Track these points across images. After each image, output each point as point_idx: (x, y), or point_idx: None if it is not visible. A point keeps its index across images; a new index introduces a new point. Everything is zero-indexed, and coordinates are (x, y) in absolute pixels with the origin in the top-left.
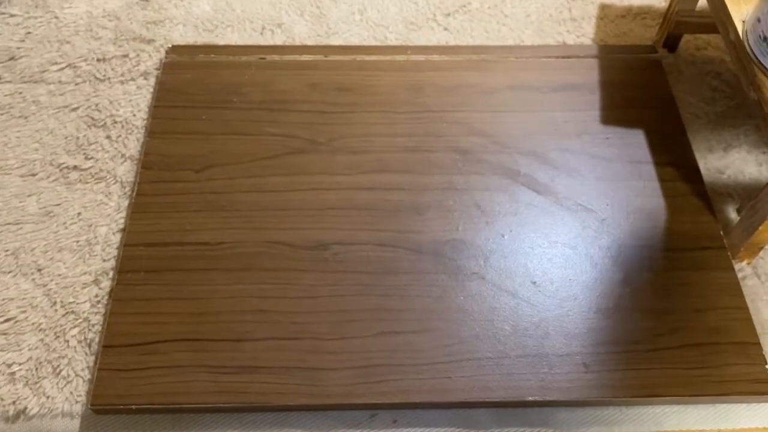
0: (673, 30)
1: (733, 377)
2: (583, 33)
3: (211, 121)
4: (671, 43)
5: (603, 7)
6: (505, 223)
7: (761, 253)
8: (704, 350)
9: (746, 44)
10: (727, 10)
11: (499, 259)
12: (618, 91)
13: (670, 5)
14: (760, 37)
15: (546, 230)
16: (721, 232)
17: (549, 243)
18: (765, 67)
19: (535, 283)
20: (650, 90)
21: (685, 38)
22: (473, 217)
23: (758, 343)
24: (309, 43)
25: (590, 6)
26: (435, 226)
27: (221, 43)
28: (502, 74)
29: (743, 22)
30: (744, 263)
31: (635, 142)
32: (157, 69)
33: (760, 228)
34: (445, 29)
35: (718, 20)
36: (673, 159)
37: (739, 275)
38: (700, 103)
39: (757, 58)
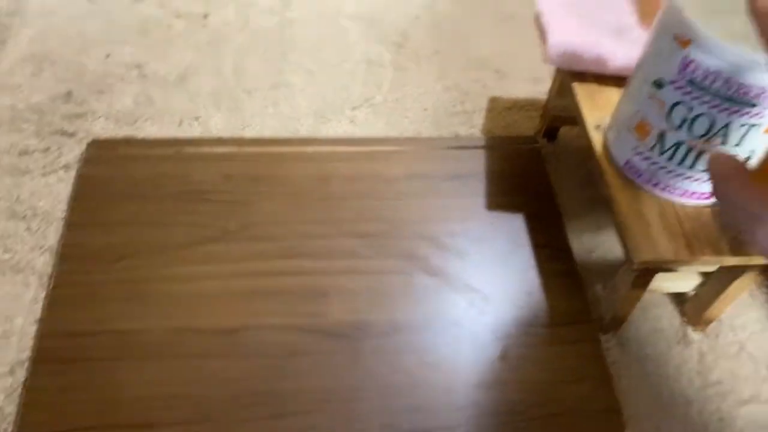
0: (551, 122)
1: None
2: (474, 125)
3: (128, 212)
4: (550, 133)
5: (492, 100)
6: (401, 304)
7: (626, 325)
8: (571, 418)
9: (601, 143)
10: (582, 113)
11: (394, 338)
12: (502, 178)
13: (547, 101)
14: (620, 130)
15: (437, 310)
16: (590, 308)
17: (439, 322)
18: (616, 165)
19: (426, 361)
20: (530, 177)
21: (563, 128)
22: (372, 298)
23: (619, 410)
24: (224, 135)
25: (481, 99)
26: (337, 309)
27: (141, 135)
28: (401, 164)
29: (597, 126)
30: (609, 335)
31: (516, 226)
32: (78, 162)
33: (618, 306)
34: (352, 122)
35: (579, 120)
36: (549, 241)
37: (605, 346)
38: (575, 188)
39: (609, 156)
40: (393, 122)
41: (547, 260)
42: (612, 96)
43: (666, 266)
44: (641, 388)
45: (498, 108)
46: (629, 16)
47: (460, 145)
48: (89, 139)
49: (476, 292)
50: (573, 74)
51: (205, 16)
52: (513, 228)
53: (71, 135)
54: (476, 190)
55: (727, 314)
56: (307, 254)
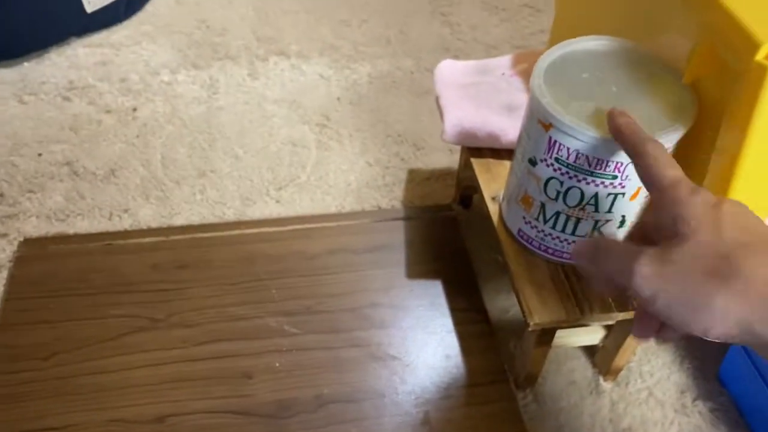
0: (464, 191)
1: None
2: (395, 197)
3: (58, 309)
4: (464, 200)
5: (411, 173)
6: (326, 379)
7: (541, 381)
8: None
9: (497, 214)
10: (480, 185)
11: (320, 413)
12: (421, 246)
13: (458, 171)
14: (510, 201)
15: (361, 381)
16: (505, 366)
17: (363, 394)
18: (511, 234)
19: None
20: (447, 244)
21: (476, 195)
22: (298, 376)
23: None
24: (153, 225)
25: (401, 172)
26: (263, 389)
27: (72, 231)
28: (323, 240)
29: (493, 198)
30: (527, 391)
31: (435, 291)
32: (10, 261)
33: (528, 364)
34: (277, 202)
35: (478, 191)
36: (466, 304)
37: (523, 402)
38: (489, 251)
39: (505, 225)
40: (317, 199)
41: (465, 323)
42: (505, 169)
43: (560, 325)
44: None
45: (416, 179)
46: (521, 94)
47: (381, 218)
48: (21, 239)
49: (398, 360)
50: (471, 150)
51: (134, 110)
52: (432, 294)
53: (3, 236)
54: (397, 259)
55: (636, 361)
56: (232, 337)
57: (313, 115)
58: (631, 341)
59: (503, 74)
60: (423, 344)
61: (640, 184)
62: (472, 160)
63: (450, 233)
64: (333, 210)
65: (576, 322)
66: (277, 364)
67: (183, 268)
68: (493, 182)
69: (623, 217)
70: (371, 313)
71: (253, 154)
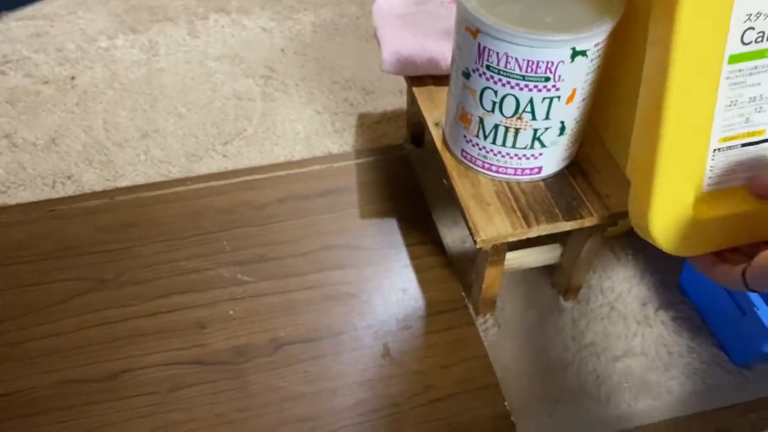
0: (414, 128)
1: (478, 419)
2: (345, 142)
3: (2, 278)
4: (417, 138)
5: (361, 117)
6: (281, 322)
7: (500, 305)
8: (452, 401)
9: (440, 139)
10: (422, 114)
11: (277, 356)
12: (374, 187)
13: (407, 109)
14: (450, 123)
15: (317, 322)
16: (463, 294)
17: (320, 333)
18: (455, 156)
19: (310, 371)
20: (400, 182)
21: (428, 131)
22: (252, 322)
23: (497, 385)
24: (97, 189)
25: (350, 118)
26: (217, 337)
27: (14, 202)
28: (273, 189)
29: (436, 124)
30: (487, 316)
31: (390, 229)
32: None
33: (483, 286)
34: (224, 156)
35: (423, 119)
36: (422, 238)
37: (484, 327)
38: (443, 187)
39: (448, 148)
40: (265, 151)
41: (421, 256)
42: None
43: (507, 240)
44: (520, 361)
45: (367, 123)
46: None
47: (331, 163)
48: None
49: (355, 298)
50: (412, 79)
51: (73, 78)
52: (387, 231)
53: None
54: (349, 202)
55: (596, 278)
56: (185, 290)
57: (257, 68)
58: (587, 257)
59: (441, 2)
60: (380, 280)
61: (575, 86)
62: (414, 89)
63: (403, 172)
64: (282, 160)
65: (523, 235)
66: (231, 312)
67: (129, 227)
68: (436, 109)
69: (562, 123)
70: (325, 255)
71: (196, 111)
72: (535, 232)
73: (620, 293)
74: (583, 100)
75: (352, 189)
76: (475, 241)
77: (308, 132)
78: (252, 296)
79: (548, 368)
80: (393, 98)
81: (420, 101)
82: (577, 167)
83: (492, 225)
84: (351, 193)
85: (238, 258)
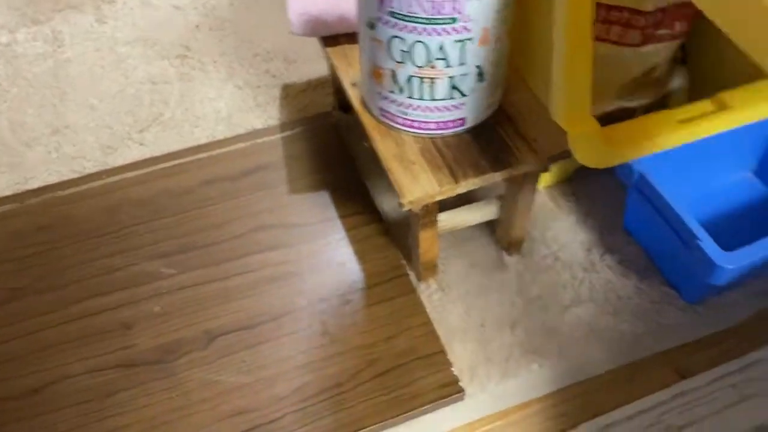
0: (340, 94)
1: (425, 389)
2: (270, 116)
3: None
4: (344, 104)
5: (285, 88)
6: (214, 312)
7: (442, 268)
8: (397, 372)
9: (358, 99)
10: (338, 75)
11: (211, 349)
12: (303, 159)
13: (331, 74)
14: (365, 81)
15: (253, 307)
16: (403, 261)
17: (257, 318)
18: (374, 116)
19: (247, 361)
20: (330, 152)
21: None
22: (181, 316)
23: (443, 351)
24: (8, 193)
25: (274, 90)
26: (144, 336)
27: None
28: (196, 173)
29: (353, 84)
30: (430, 281)
31: (322, 202)
32: None
33: (420, 251)
34: (141, 144)
35: (339, 81)
36: (356, 208)
37: (427, 292)
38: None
39: (367, 108)
40: (185, 134)
41: (357, 227)
42: None
43: (435, 199)
44: (466, 323)
45: (291, 94)
46: None
47: (256, 139)
48: None
49: (291, 278)
50: (325, 40)
51: None
52: (320, 204)
53: None
54: (279, 178)
55: (539, 230)
56: (106, 290)
57: (171, 49)
58: (523, 208)
59: None
60: (315, 257)
61: (486, 25)
62: (328, 49)
63: (332, 140)
64: (204, 142)
65: (452, 192)
66: (158, 309)
67: (44, 230)
68: (351, 68)
69: (479, 68)
70: (256, 237)
71: (109, 101)
72: (463, 187)
73: (564, 242)
74: (498, 40)
75: (280, 164)
76: (401, 204)
77: (230, 109)
78: (178, 289)
79: (496, 327)
80: (317, 65)
81: (335, 62)
82: (503, 115)
83: (418, 185)
84: (279, 168)
85: (161, 250)
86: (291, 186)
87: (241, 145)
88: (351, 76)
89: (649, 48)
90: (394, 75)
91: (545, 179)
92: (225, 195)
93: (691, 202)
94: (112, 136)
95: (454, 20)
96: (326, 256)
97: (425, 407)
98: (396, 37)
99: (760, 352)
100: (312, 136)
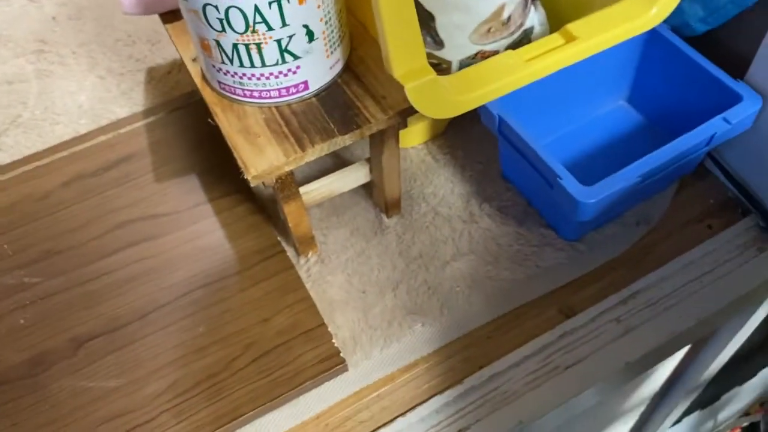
0: None
1: (306, 365)
2: (135, 102)
3: None
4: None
5: (150, 72)
6: (79, 317)
7: (322, 239)
8: (276, 353)
9: (199, 75)
10: (179, 50)
11: (79, 356)
12: (169, 145)
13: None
14: (212, 66)
15: (120, 307)
16: (279, 238)
17: (124, 319)
18: (216, 90)
19: (115, 364)
20: (199, 132)
21: None
22: (47, 325)
23: (323, 325)
24: None
25: (138, 74)
26: (9, 351)
27: None
28: (55, 174)
29: (193, 59)
30: (309, 255)
31: (190, 187)
32: None
33: (291, 225)
34: (0, 150)
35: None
36: (226, 189)
37: (306, 267)
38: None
39: (208, 84)
40: (46, 133)
41: (227, 209)
42: None
43: (284, 170)
44: (347, 293)
45: (156, 76)
46: None
47: (118, 129)
48: None
49: (158, 272)
50: (164, 16)
51: None
52: (187, 190)
53: None
54: (143, 167)
55: (418, 187)
56: None
57: (26, 45)
58: (390, 167)
59: None
60: (184, 246)
61: None
62: (166, 26)
63: (199, 121)
64: (67, 138)
65: (300, 160)
66: (22, 321)
67: None
68: (191, 43)
69: (306, 27)
70: (121, 233)
71: None
72: (311, 154)
73: (443, 196)
74: None
75: (144, 152)
76: (247, 180)
77: (92, 101)
78: (43, 298)
79: (377, 292)
80: None
81: (174, 37)
82: (350, 73)
83: (263, 157)
84: (143, 157)
85: (23, 260)
86: (156, 174)
87: (102, 138)
88: (191, 51)
89: None
90: (219, 45)
91: (420, 135)
92: (86, 193)
93: (565, 138)
94: None
95: None
96: (196, 243)
97: (306, 384)
98: (208, 5)
99: (640, 282)
100: (178, 118)
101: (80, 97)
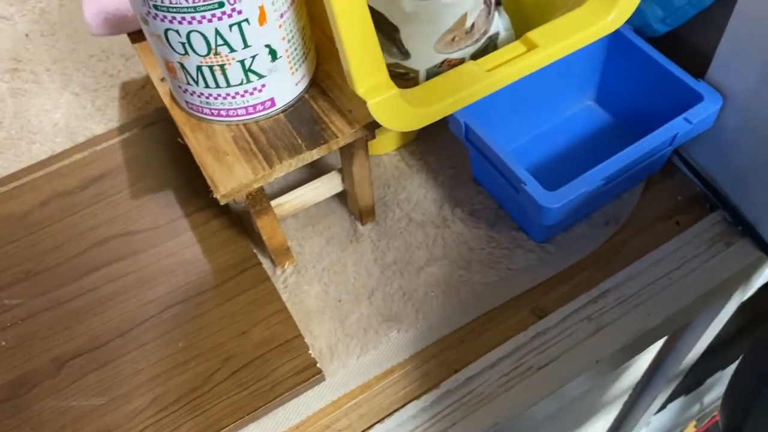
0: None
1: (284, 376)
2: (110, 118)
3: None
4: None
5: (124, 86)
6: (60, 337)
7: (298, 249)
8: (254, 366)
9: (168, 94)
10: (148, 70)
11: (62, 375)
12: (145, 160)
13: None
14: (178, 87)
15: (99, 326)
16: (255, 251)
17: (103, 338)
18: (185, 110)
19: (97, 382)
20: (173, 147)
21: None
22: (28, 347)
23: (299, 336)
24: None
25: (113, 90)
26: None
27: None
28: (32, 194)
29: (162, 79)
30: (286, 266)
31: (166, 202)
32: None
33: (265, 238)
34: None
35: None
36: (202, 204)
37: (282, 278)
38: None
39: (177, 103)
40: (23, 153)
41: (202, 223)
42: None
43: (253, 187)
44: (324, 303)
45: (131, 91)
46: None
47: (94, 146)
48: None
49: (135, 290)
50: (132, 36)
51: None
52: (163, 205)
53: None
54: (119, 184)
55: (392, 193)
56: None
57: (0, 63)
58: (360, 177)
59: None
60: (160, 262)
61: (261, 3)
62: (135, 45)
63: (173, 135)
64: (43, 157)
65: (269, 177)
66: (3, 343)
67: None
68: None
69: (268, 47)
70: (98, 251)
71: None
72: (279, 171)
73: (416, 201)
74: (283, 16)
75: (120, 169)
76: (216, 198)
77: (68, 119)
78: (24, 319)
79: (353, 301)
80: None
81: (143, 57)
82: (317, 88)
83: (231, 175)
84: (119, 174)
85: (3, 281)
86: (132, 191)
87: (78, 156)
88: (159, 71)
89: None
90: (183, 67)
91: (392, 142)
92: (63, 212)
93: (535, 140)
94: None
95: (221, 5)
96: (172, 259)
97: (284, 396)
98: (170, 29)
99: (610, 281)
100: (152, 133)
101: (56, 114)
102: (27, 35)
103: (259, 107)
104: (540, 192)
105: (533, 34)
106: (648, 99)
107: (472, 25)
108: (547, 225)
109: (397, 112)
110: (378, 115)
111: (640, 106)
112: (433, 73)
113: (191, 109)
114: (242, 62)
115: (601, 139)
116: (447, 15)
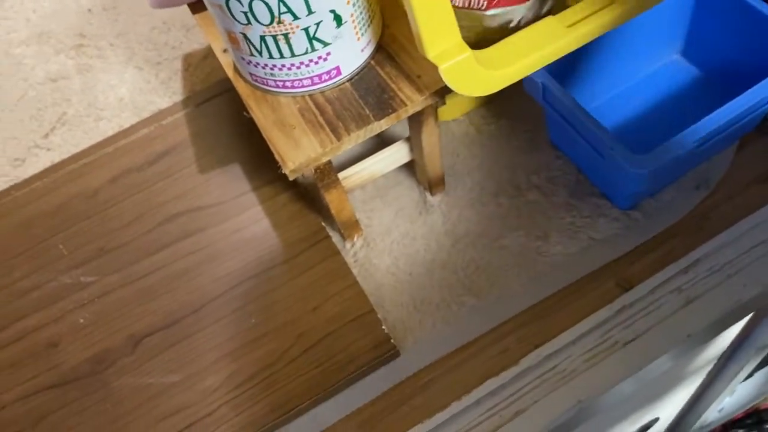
0: None
1: (358, 353)
2: (175, 91)
3: None
4: None
5: (186, 58)
6: (135, 314)
7: (367, 221)
8: (327, 342)
9: (231, 66)
10: (210, 41)
11: (138, 353)
12: (210, 134)
13: None
14: (242, 58)
15: (173, 303)
16: (323, 224)
17: (178, 314)
18: (249, 82)
19: (172, 359)
20: (237, 120)
21: None
22: (105, 323)
23: (372, 311)
24: None
25: (175, 62)
26: (72, 351)
27: None
28: (102, 170)
29: (224, 50)
30: (355, 239)
31: (233, 176)
32: None
33: (334, 212)
34: (48, 150)
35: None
36: (269, 177)
37: (352, 252)
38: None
39: (241, 75)
40: (91, 129)
41: (271, 197)
42: None
43: (321, 161)
44: (395, 276)
45: (194, 63)
46: None
47: (160, 121)
48: None
49: (206, 265)
50: (192, 6)
51: None
52: (231, 179)
53: None
54: (186, 159)
55: (462, 161)
56: (28, 312)
57: (66, 40)
58: (430, 145)
59: None
60: (230, 237)
61: None
62: (196, 16)
63: (238, 107)
64: (111, 133)
65: (337, 150)
66: (82, 320)
67: None
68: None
69: (333, 12)
70: (168, 227)
71: (11, 109)
72: (347, 143)
73: (488, 169)
74: None
75: (186, 144)
76: (286, 174)
77: (132, 93)
78: (100, 296)
79: (424, 274)
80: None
81: (204, 28)
82: (383, 53)
83: (299, 150)
84: (185, 148)
85: (78, 259)
86: (199, 165)
87: (144, 130)
88: (221, 42)
89: (496, 11)
90: (246, 38)
91: (461, 106)
92: (132, 188)
93: (616, 99)
94: (18, 146)
95: None
96: (242, 234)
97: (358, 372)
98: None
99: (701, 249)
100: (217, 105)
101: (121, 89)
102: (89, 10)
103: (325, 77)
104: (628, 157)
105: None
106: (744, 50)
107: (518, 26)
108: (634, 192)
109: (471, 76)
110: (451, 81)
111: (734, 58)
112: None
113: (255, 81)
114: (306, 30)
115: (688, 96)
116: (491, 21)
